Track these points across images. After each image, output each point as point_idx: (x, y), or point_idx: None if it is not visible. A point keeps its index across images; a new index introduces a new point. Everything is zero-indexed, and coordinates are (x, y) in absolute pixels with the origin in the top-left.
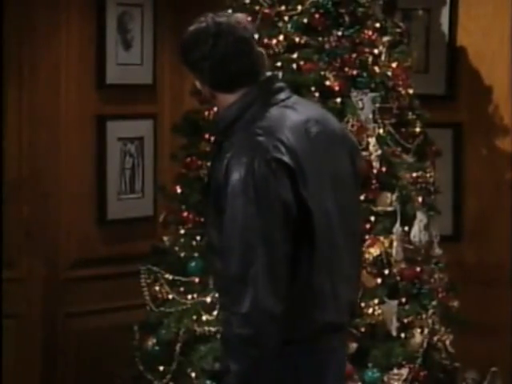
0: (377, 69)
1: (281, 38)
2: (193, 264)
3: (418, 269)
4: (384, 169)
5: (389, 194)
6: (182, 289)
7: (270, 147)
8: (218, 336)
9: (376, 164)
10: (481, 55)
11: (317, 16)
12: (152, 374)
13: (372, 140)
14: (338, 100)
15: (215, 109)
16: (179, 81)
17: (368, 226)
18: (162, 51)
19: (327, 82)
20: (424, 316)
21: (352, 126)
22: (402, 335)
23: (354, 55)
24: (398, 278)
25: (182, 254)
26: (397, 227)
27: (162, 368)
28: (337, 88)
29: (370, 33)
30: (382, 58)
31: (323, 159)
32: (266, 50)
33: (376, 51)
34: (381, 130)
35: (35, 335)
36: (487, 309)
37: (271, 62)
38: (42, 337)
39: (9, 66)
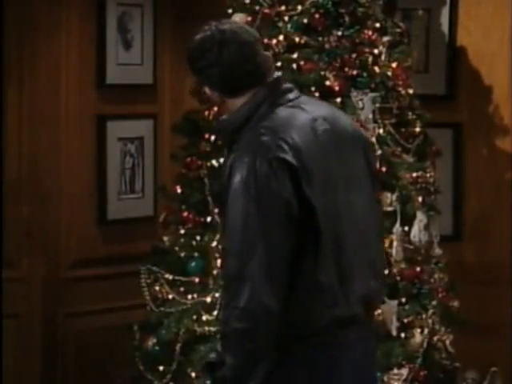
0: (377, 69)
1: (281, 37)
2: (193, 264)
3: (418, 269)
4: (384, 169)
5: (389, 194)
6: (182, 289)
7: (272, 146)
8: (218, 336)
9: (376, 164)
10: (481, 55)
11: (317, 16)
12: (152, 374)
13: (372, 140)
14: (338, 100)
15: (215, 109)
16: (179, 81)
17: None
18: (162, 51)
19: (327, 82)
20: (424, 316)
21: None
22: (402, 335)
23: (354, 55)
24: (398, 278)
25: (182, 254)
26: (397, 227)
27: (162, 368)
28: (337, 88)
29: (370, 33)
30: (382, 57)
31: (333, 158)
32: (267, 49)
33: (376, 51)
34: (381, 130)
35: (35, 335)
36: (487, 309)
37: None
38: (42, 337)
39: (9, 65)
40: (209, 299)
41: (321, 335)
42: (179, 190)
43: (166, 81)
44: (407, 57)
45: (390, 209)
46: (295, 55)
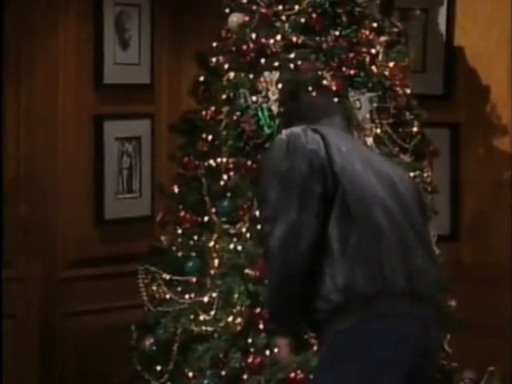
0: (374, 68)
1: (278, 37)
2: (190, 264)
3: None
4: None
5: None
6: (179, 288)
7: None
8: (216, 336)
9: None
10: (478, 55)
11: (314, 16)
12: (149, 374)
13: (369, 140)
14: (336, 100)
15: (212, 108)
16: (177, 80)
17: None
18: (160, 51)
19: (325, 82)
20: None
21: None
22: None
23: (352, 55)
24: None
25: (180, 254)
26: None
27: (159, 368)
28: (334, 88)
29: (368, 32)
30: (380, 57)
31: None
32: (264, 49)
33: (373, 51)
34: (378, 130)
35: (33, 335)
36: (485, 309)
37: (269, 62)
38: (40, 336)
39: (7, 65)
40: (206, 299)
41: (368, 310)
42: (176, 190)
43: (164, 81)
44: (404, 56)
45: None
46: (292, 55)
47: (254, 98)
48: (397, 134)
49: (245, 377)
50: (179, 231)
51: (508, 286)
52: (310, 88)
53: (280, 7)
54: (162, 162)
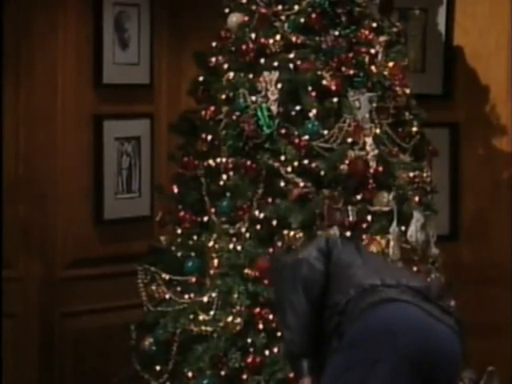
0: (373, 68)
1: (278, 37)
2: (189, 264)
3: (415, 268)
4: (381, 168)
5: (386, 194)
6: (178, 288)
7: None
8: (215, 336)
9: (373, 164)
10: (478, 54)
11: (314, 16)
12: (149, 374)
13: (369, 140)
14: (335, 100)
15: (212, 108)
16: (176, 80)
17: (365, 225)
18: (159, 51)
19: (324, 82)
20: None
21: (349, 125)
22: None
23: (351, 55)
24: None
25: (179, 254)
26: (393, 227)
27: (158, 368)
28: (334, 88)
29: (367, 32)
30: (379, 57)
31: None
32: (263, 49)
33: (373, 51)
34: (378, 130)
35: (32, 335)
36: (484, 308)
37: (268, 62)
38: (39, 336)
39: (6, 65)
40: (205, 299)
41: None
42: (176, 190)
43: (163, 80)
44: (404, 56)
45: (386, 208)
46: (292, 55)
47: (254, 98)
48: (396, 133)
49: (244, 377)
50: (179, 231)
51: (508, 286)
52: None
53: (279, 7)
54: (161, 162)
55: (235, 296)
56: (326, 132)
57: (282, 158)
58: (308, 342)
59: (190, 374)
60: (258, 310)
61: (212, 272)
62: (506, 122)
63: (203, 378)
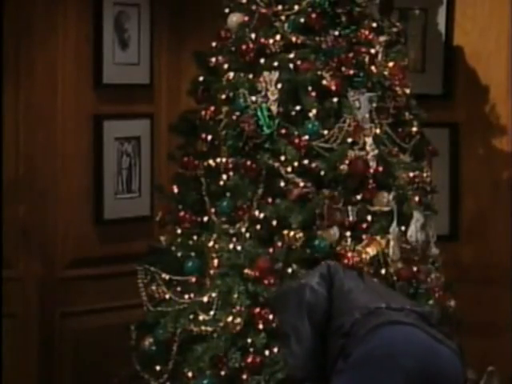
0: (373, 68)
1: (278, 37)
2: (189, 264)
3: (415, 268)
4: (381, 168)
5: (385, 194)
6: (178, 288)
7: None
8: (215, 336)
9: (373, 164)
10: (477, 55)
11: (314, 16)
12: (149, 374)
13: (369, 140)
14: (335, 100)
15: (212, 108)
16: (176, 80)
17: (365, 225)
18: (159, 51)
19: (324, 82)
20: None
21: (349, 125)
22: None
23: (351, 55)
24: (395, 278)
25: (179, 254)
26: (393, 227)
27: (158, 368)
28: (334, 88)
29: (367, 32)
30: (379, 57)
31: None
32: (263, 49)
33: (373, 51)
34: (378, 130)
35: (32, 335)
36: (484, 308)
37: (268, 62)
38: (39, 336)
39: (6, 65)
40: (205, 299)
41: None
42: (176, 190)
43: (163, 80)
44: (404, 56)
45: (386, 208)
46: (292, 55)
47: (254, 98)
48: (396, 133)
49: (244, 377)
50: (178, 231)
51: (507, 286)
52: None
53: (279, 7)
54: (161, 162)
55: (235, 296)
56: (325, 132)
57: (282, 158)
58: (311, 367)
59: (190, 374)
60: (257, 310)
61: (212, 272)
62: (506, 122)
63: (203, 378)
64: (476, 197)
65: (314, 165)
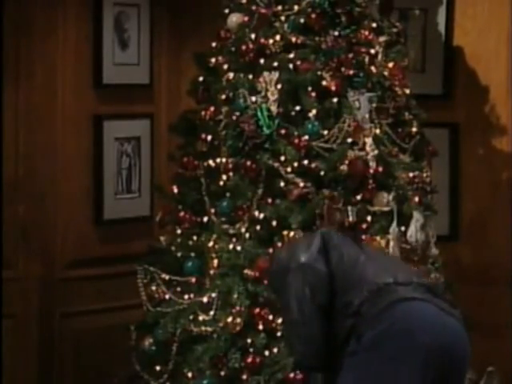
0: (373, 69)
1: (277, 37)
2: (189, 264)
3: (415, 269)
4: (381, 169)
5: (385, 194)
6: (178, 289)
7: None
8: (215, 336)
9: (373, 164)
10: (477, 55)
11: (313, 16)
12: (149, 374)
13: (369, 140)
14: (335, 100)
15: (212, 108)
16: (176, 81)
17: (364, 225)
18: (159, 51)
19: (324, 82)
20: None
21: (349, 126)
22: None
23: (351, 55)
24: None
25: (179, 254)
26: (393, 227)
27: (158, 368)
28: (333, 88)
29: (367, 33)
30: (379, 57)
31: None
32: (263, 49)
33: (373, 51)
34: (377, 130)
35: (32, 335)
36: (484, 309)
37: (268, 62)
38: (38, 336)
39: (6, 65)
40: (205, 299)
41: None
42: (176, 190)
43: (163, 81)
44: (404, 56)
45: (386, 209)
46: (292, 55)
47: (254, 98)
48: (396, 134)
49: (244, 377)
50: (178, 231)
51: (507, 286)
52: None
53: (279, 7)
54: (161, 162)
55: (235, 296)
56: (325, 132)
57: (282, 158)
58: (321, 353)
59: (189, 375)
60: (257, 310)
61: (212, 272)
62: (506, 123)
63: (203, 378)
64: (476, 197)
65: (313, 165)
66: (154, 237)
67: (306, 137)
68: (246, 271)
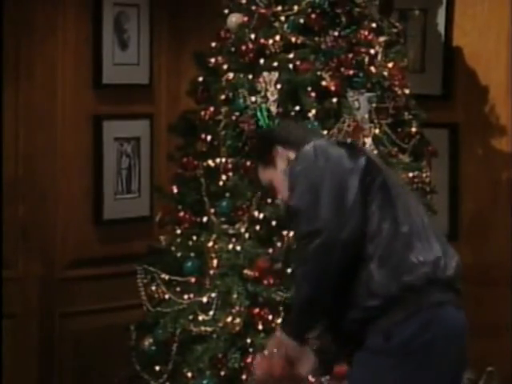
0: (373, 69)
1: (277, 38)
2: (189, 264)
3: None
4: None
5: None
6: (178, 289)
7: None
8: (215, 336)
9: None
10: (477, 55)
11: (313, 16)
12: (148, 374)
13: (368, 140)
14: (335, 100)
15: (211, 108)
16: (176, 81)
17: None
18: (159, 51)
19: (323, 82)
20: None
21: (348, 126)
22: None
23: (351, 55)
24: None
25: (179, 254)
26: None
27: (158, 368)
28: (333, 88)
29: (367, 33)
30: (379, 58)
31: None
32: (263, 49)
33: (372, 51)
34: (377, 130)
35: (32, 335)
36: (483, 309)
37: (268, 62)
38: (38, 336)
39: (6, 65)
40: (205, 299)
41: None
42: (175, 190)
43: (163, 81)
44: (403, 57)
45: None
46: (291, 55)
47: (253, 99)
48: (396, 134)
49: (244, 377)
50: (178, 231)
51: (508, 286)
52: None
53: (279, 7)
54: (160, 163)
55: (234, 296)
56: (325, 132)
57: None
58: (330, 286)
59: (189, 375)
60: (257, 310)
61: (211, 272)
62: (506, 123)
63: (203, 378)
64: (476, 197)
65: None
66: (153, 237)
67: None
68: (245, 271)
